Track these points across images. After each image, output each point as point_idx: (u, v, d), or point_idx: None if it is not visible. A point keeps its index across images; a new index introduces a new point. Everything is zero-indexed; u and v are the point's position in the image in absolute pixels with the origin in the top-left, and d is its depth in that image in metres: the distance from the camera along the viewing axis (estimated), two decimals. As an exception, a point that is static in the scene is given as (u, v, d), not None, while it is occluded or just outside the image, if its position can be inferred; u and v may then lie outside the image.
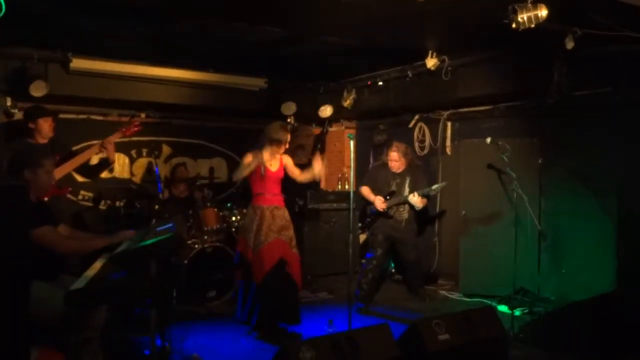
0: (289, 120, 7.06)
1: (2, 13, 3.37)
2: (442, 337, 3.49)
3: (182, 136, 7.10)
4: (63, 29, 4.81)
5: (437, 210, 6.87)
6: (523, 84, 5.43)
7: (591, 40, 4.32)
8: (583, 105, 5.18)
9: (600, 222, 5.12)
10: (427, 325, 3.54)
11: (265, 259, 4.54)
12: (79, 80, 5.69)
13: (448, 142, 6.82)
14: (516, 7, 3.63)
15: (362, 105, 7.06)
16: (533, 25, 3.65)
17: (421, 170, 5.72)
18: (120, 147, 6.04)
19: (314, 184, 7.97)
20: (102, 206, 6.30)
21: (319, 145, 8.10)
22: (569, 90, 5.06)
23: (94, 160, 4.92)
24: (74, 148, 5.51)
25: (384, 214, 5.34)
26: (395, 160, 5.33)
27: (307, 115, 7.25)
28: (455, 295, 6.09)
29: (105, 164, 4.98)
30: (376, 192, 5.38)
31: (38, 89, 5.28)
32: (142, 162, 6.84)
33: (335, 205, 7.09)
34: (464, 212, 6.22)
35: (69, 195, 5.93)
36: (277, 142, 4.66)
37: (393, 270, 6.74)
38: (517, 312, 5.01)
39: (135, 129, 5.04)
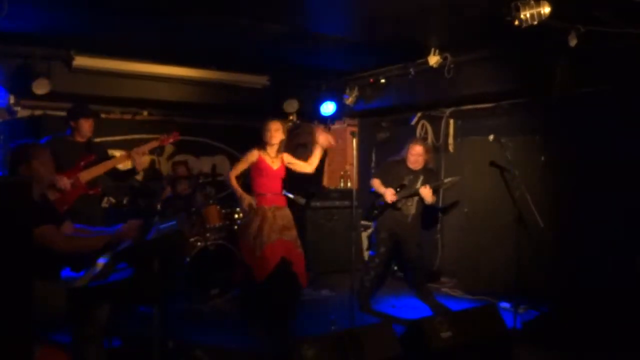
0: (291, 117, 7.07)
1: (5, 11, 3.38)
2: (445, 335, 3.50)
3: (184, 134, 7.08)
4: (66, 26, 4.82)
5: (440, 207, 6.85)
6: (526, 81, 5.41)
7: (594, 38, 4.30)
8: (586, 102, 5.16)
9: (604, 220, 5.10)
10: (429, 322, 3.55)
11: (269, 259, 4.54)
12: (81, 78, 5.70)
13: (451, 140, 6.81)
14: (519, 4, 3.63)
15: (365, 102, 7.05)
16: (536, 23, 3.65)
17: (435, 173, 5.71)
18: (123, 145, 6.04)
19: (316, 182, 7.99)
20: (105, 204, 6.30)
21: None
22: (572, 88, 5.04)
23: (122, 166, 4.91)
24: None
25: (392, 206, 5.32)
26: (420, 154, 5.28)
27: (309, 113, 7.25)
28: (457, 293, 6.09)
29: (133, 171, 4.98)
30: (387, 185, 5.38)
31: (41, 87, 5.29)
32: (144, 160, 6.83)
33: (337, 202, 7.09)
34: (466, 210, 6.22)
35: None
36: (267, 138, 4.68)
37: (395, 268, 6.74)
38: (520, 310, 5.01)
39: (172, 139, 5.02)
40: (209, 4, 4.21)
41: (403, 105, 6.86)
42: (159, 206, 5.42)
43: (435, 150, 6.90)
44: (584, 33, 4.28)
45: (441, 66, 5.68)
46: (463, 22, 4.58)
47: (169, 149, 6.98)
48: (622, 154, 4.94)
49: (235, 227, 5.90)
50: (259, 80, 6.66)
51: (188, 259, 5.37)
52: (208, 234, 5.66)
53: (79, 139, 4.73)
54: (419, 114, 7.06)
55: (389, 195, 5.27)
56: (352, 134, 4.71)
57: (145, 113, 6.74)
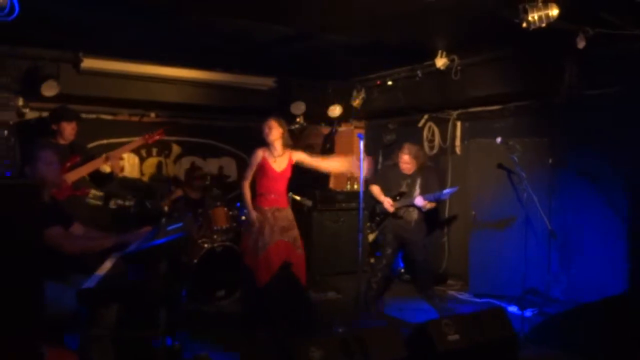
0: (298, 119, 7.07)
1: (15, 14, 3.40)
2: (452, 338, 3.48)
3: (191, 135, 7.13)
4: (74, 28, 4.85)
5: (447, 210, 6.85)
6: (533, 83, 5.40)
7: (602, 40, 4.28)
8: (594, 104, 5.14)
9: (611, 222, 5.08)
10: (436, 325, 3.53)
11: (270, 261, 4.54)
12: (89, 80, 5.73)
13: (457, 142, 6.80)
14: (527, 6, 3.61)
15: (372, 104, 7.05)
16: (544, 25, 3.63)
17: (433, 171, 5.68)
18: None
19: (322, 184, 7.99)
20: (112, 205, 6.33)
21: (328, 144, 8.11)
22: (580, 90, 5.03)
23: (104, 169, 4.96)
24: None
25: (393, 214, 5.32)
26: (407, 162, 5.29)
27: (316, 115, 7.25)
28: (464, 296, 6.08)
29: (110, 176, 5.02)
30: (386, 192, 5.37)
31: (49, 89, 5.32)
32: (152, 162, 6.87)
33: (344, 205, 7.09)
34: (473, 212, 6.20)
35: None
36: (265, 137, 4.69)
37: (402, 270, 6.73)
38: (527, 313, 4.99)
39: (158, 137, 5.10)
40: (216, 6, 4.22)
41: (410, 107, 6.85)
42: (166, 208, 5.44)
43: (442, 152, 6.89)
44: (592, 35, 4.26)
45: (448, 68, 5.67)
46: (470, 24, 4.57)
47: (175, 150, 7.01)
48: (630, 155, 4.91)
49: (242, 228, 5.90)
50: (266, 82, 6.67)
51: (195, 261, 5.38)
52: (215, 236, 5.67)
53: (62, 141, 4.78)
54: (426, 116, 7.05)
55: (387, 205, 5.25)
56: (359, 135, 4.71)
57: (152, 115, 6.76)
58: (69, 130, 4.79)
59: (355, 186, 7.78)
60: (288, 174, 4.79)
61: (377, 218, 5.47)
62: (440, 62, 5.63)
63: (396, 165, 5.43)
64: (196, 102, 6.49)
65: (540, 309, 5.21)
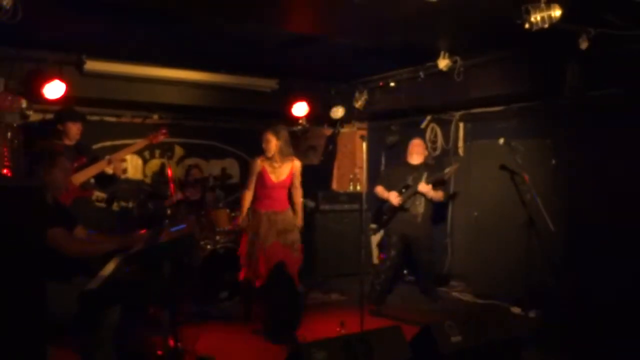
0: (300, 121, 7.07)
1: (19, 16, 3.42)
2: (455, 339, 3.48)
3: (194, 137, 7.14)
4: (77, 31, 4.86)
5: (450, 211, 6.84)
6: (536, 84, 5.39)
7: (605, 41, 4.27)
8: (597, 105, 5.13)
9: (616, 224, 5.07)
10: (439, 327, 3.53)
11: (265, 263, 4.58)
12: (92, 82, 5.74)
13: (460, 143, 6.79)
14: (529, 7, 3.61)
15: (374, 106, 7.05)
16: (546, 26, 3.63)
17: (436, 167, 5.72)
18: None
19: (325, 185, 8.00)
20: (115, 207, 6.34)
21: (330, 146, 8.11)
22: (583, 91, 5.02)
23: (108, 170, 4.98)
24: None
25: (400, 208, 5.32)
26: (420, 145, 5.34)
27: (319, 116, 7.26)
28: (467, 297, 6.07)
29: (114, 178, 5.03)
30: (391, 189, 5.37)
31: (53, 91, 5.34)
32: (155, 164, 6.88)
33: (347, 206, 7.09)
34: (476, 213, 6.19)
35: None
36: (263, 149, 4.74)
37: (405, 272, 6.73)
38: (530, 314, 4.98)
39: (162, 137, 5.12)
40: (218, 8, 4.23)
41: (412, 109, 6.85)
42: (169, 210, 5.45)
43: (445, 154, 6.89)
44: (594, 36, 4.26)
45: (451, 69, 5.66)
46: (473, 25, 4.57)
47: (178, 152, 7.02)
48: (634, 156, 4.90)
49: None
50: (268, 84, 6.68)
51: (198, 262, 5.39)
52: (217, 237, 5.68)
53: (68, 142, 4.80)
54: (428, 117, 7.04)
55: (394, 198, 5.27)
56: (362, 137, 4.72)
57: (155, 117, 6.77)
58: (74, 130, 4.81)
59: (358, 187, 7.78)
60: (287, 184, 4.81)
61: (385, 217, 5.46)
62: (443, 63, 5.63)
63: (402, 163, 5.44)
64: (199, 104, 6.50)
65: (543, 310, 5.19)
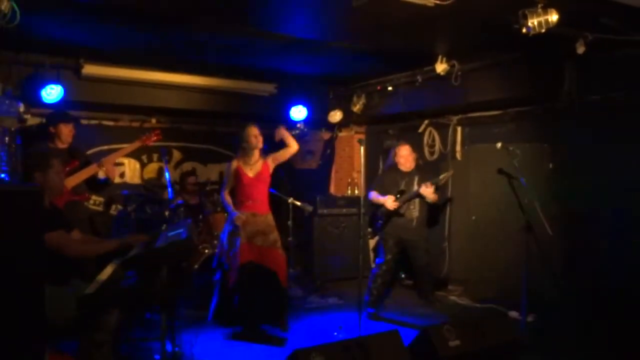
0: (298, 125, 7.08)
1: (17, 20, 3.42)
2: (453, 343, 3.49)
3: (192, 141, 7.14)
4: (75, 35, 4.87)
5: (448, 215, 6.84)
6: (534, 88, 5.40)
7: (602, 45, 4.29)
8: (594, 109, 5.15)
9: (613, 228, 5.07)
10: (437, 331, 3.53)
11: (237, 262, 4.62)
12: (90, 86, 5.75)
13: (458, 147, 6.80)
14: (527, 12, 3.62)
15: (372, 110, 7.06)
16: (544, 30, 3.64)
17: (427, 169, 5.72)
18: (131, 153, 6.09)
19: (323, 189, 7.99)
20: (113, 211, 6.33)
21: (328, 150, 8.12)
22: (580, 95, 5.03)
23: (101, 174, 4.98)
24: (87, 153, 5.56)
25: (395, 213, 5.32)
26: (405, 156, 5.34)
27: (317, 120, 7.27)
28: (465, 301, 6.06)
29: (106, 182, 5.03)
30: (385, 194, 5.38)
31: (51, 95, 5.34)
32: (152, 168, 6.88)
33: (344, 210, 7.09)
34: (474, 217, 6.19)
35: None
36: (254, 144, 4.78)
37: (403, 276, 6.72)
38: (529, 318, 4.98)
39: (155, 138, 5.13)
40: (216, 13, 4.23)
41: (410, 113, 6.86)
42: (166, 213, 5.44)
43: (443, 158, 6.90)
44: (591, 41, 4.27)
45: (448, 73, 5.68)
46: (470, 29, 4.58)
47: (176, 156, 7.02)
48: (631, 161, 4.91)
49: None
50: (267, 88, 6.68)
51: (195, 266, 5.38)
52: (215, 242, 5.67)
53: (60, 145, 4.79)
54: (426, 122, 7.06)
55: (390, 202, 5.27)
56: (359, 141, 4.73)
57: (153, 120, 6.77)
58: (66, 132, 4.81)
59: (356, 191, 7.79)
60: (264, 179, 4.87)
61: (380, 222, 5.47)
62: (441, 67, 5.64)
63: (393, 168, 5.46)
64: (197, 107, 6.51)
65: (541, 315, 5.19)
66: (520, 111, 5.99)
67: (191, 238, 3.99)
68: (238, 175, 4.82)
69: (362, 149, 4.75)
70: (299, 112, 6.81)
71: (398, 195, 5.29)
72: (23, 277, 2.00)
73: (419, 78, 6.12)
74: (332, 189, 8.20)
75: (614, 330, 4.45)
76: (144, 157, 6.81)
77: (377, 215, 5.51)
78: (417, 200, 5.35)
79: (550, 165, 5.62)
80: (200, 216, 5.85)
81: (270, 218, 4.89)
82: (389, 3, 3.63)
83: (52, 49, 5.31)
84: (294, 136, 5.01)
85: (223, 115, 6.98)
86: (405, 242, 5.38)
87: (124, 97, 6.03)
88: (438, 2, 3.56)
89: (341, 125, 7.75)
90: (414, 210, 5.35)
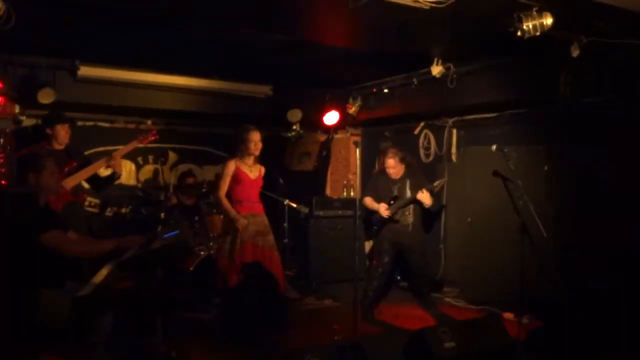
0: (294, 127, 7.08)
1: (12, 22, 3.41)
2: (448, 345, 3.49)
3: (188, 143, 7.13)
4: (71, 36, 4.86)
5: (443, 217, 6.86)
6: (529, 91, 5.43)
7: (597, 48, 4.32)
8: (588, 112, 5.17)
9: (608, 230, 5.09)
10: (433, 333, 3.54)
11: (238, 263, 4.62)
12: (86, 88, 5.74)
13: (454, 149, 6.81)
14: (521, 15, 3.64)
15: (368, 112, 7.07)
16: (538, 34, 3.66)
17: (419, 171, 5.71)
18: (127, 154, 6.09)
19: (319, 191, 8.00)
20: (108, 213, 6.32)
21: (325, 152, 8.13)
22: (575, 98, 5.06)
23: (103, 172, 4.96)
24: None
25: (389, 220, 5.33)
26: (393, 167, 5.34)
27: (313, 123, 7.27)
28: (461, 303, 6.07)
29: (112, 177, 5.02)
30: (379, 200, 5.39)
31: (46, 97, 5.33)
32: (148, 169, 6.87)
33: (340, 212, 7.09)
34: (469, 219, 6.21)
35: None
36: (252, 149, 4.77)
37: (398, 278, 6.72)
38: (524, 320, 4.99)
39: (152, 137, 5.13)
40: (212, 14, 4.24)
41: (406, 115, 6.87)
42: (162, 215, 5.44)
43: (438, 160, 6.91)
44: (586, 44, 4.29)
45: (444, 76, 5.69)
46: (466, 32, 4.60)
47: (172, 158, 7.01)
48: (625, 163, 4.94)
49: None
50: (262, 90, 6.69)
51: (191, 268, 5.37)
52: (211, 243, 5.66)
53: (57, 146, 4.78)
54: (422, 124, 7.07)
55: (383, 210, 5.27)
56: (355, 143, 4.73)
57: (149, 122, 6.77)
58: (62, 133, 4.78)
59: (352, 193, 7.79)
60: (260, 183, 4.92)
61: (374, 228, 5.48)
62: (436, 70, 5.66)
63: (384, 172, 5.46)
64: (193, 109, 6.50)
65: (536, 316, 5.21)
66: (515, 114, 6.01)
67: (186, 240, 4.01)
68: (239, 175, 4.78)
69: (358, 151, 4.75)
70: (295, 114, 6.80)
71: (391, 202, 5.29)
72: (17, 279, 1.99)
73: (415, 80, 6.13)
74: (328, 191, 8.21)
75: (609, 332, 4.46)
76: (140, 159, 6.80)
77: (372, 221, 5.52)
78: (411, 206, 5.35)
79: (545, 168, 5.64)
80: (196, 217, 5.84)
81: (266, 219, 4.91)
82: (385, 5, 3.64)
83: (48, 50, 5.30)
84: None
85: (219, 117, 6.98)
86: (401, 245, 5.39)
87: (119, 98, 6.03)
88: (434, 5, 3.57)
89: (337, 127, 7.75)
90: (409, 216, 5.35)
